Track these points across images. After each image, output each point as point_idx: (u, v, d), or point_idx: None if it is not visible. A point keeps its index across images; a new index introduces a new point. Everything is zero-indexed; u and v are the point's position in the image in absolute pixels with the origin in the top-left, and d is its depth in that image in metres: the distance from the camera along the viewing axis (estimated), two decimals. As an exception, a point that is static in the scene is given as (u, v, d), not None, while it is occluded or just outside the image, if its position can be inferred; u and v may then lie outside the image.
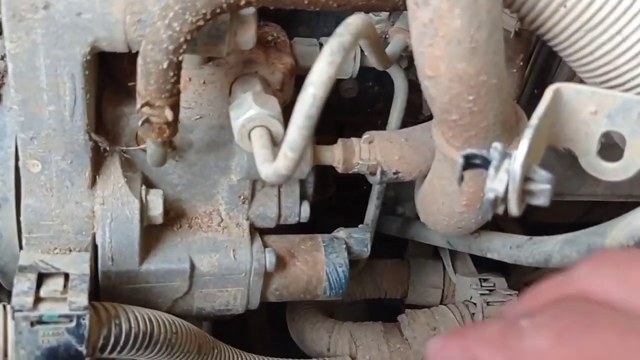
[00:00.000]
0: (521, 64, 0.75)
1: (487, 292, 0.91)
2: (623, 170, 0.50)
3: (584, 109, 0.49)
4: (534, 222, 1.27)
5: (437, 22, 0.45)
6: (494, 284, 0.93)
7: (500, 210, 0.46)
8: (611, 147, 0.53)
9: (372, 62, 0.68)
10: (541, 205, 0.46)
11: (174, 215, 0.68)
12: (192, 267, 0.65)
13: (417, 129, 0.74)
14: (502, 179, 0.45)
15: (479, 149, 0.47)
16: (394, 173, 0.72)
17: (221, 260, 0.66)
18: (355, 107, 1.03)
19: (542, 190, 0.45)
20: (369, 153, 0.71)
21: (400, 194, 1.17)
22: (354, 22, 0.47)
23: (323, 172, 0.96)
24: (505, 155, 0.46)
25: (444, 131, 0.58)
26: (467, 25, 0.45)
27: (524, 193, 0.45)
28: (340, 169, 0.72)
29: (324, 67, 0.43)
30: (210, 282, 0.67)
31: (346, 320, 0.97)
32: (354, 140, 0.72)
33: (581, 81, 0.62)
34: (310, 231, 0.79)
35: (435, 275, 1.05)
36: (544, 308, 0.31)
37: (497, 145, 0.46)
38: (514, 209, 0.45)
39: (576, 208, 1.25)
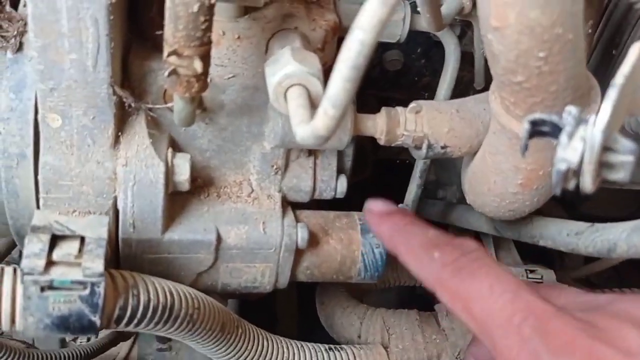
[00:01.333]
0: (590, 31, 0.67)
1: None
2: None
3: (676, 71, 0.42)
4: (583, 214, 1.19)
5: (508, -38, 0.39)
6: (542, 276, 0.86)
7: (571, 185, 0.40)
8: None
9: (424, 21, 0.62)
10: (620, 182, 0.40)
11: (202, 183, 0.63)
12: (219, 238, 0.61)
13: (470, 100, 0.68)
14: (576, 148, 0.38)
15: (548, 114, 0.41)
16: (442, 147, 0.66)
17: (250, 233, 0.61)
18: (399, 81, 0.97)
19: (624, 163, 0.39)
20: (415, 124, 0.65)
21: (441, 177, 1.11)
22: (411, -40, 0.40)
23: (361, 152, 0.90)
24: (581, 120, 0.39)
25: (504, 97, 0.51)
26: (544, -34, 0.39)
27: (601, 165, 0.39)
28: (382, 140, 0.66)
29: (376, 7, 0.37)
30: (237, 256, 0.62)
31: (377, 306, 0.91)
32: (399, 109, 0.66)
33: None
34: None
35: (477, 264, 0.98)
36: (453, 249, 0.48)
37: (571, 109, 0.40)
38: (588, 184, 0.38)
39: (631, 200, 1.16)
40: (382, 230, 0.59)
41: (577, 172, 0.39)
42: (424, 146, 0.65)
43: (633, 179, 0.93)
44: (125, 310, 0.51)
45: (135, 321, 0.52)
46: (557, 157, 0.39)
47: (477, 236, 1.01)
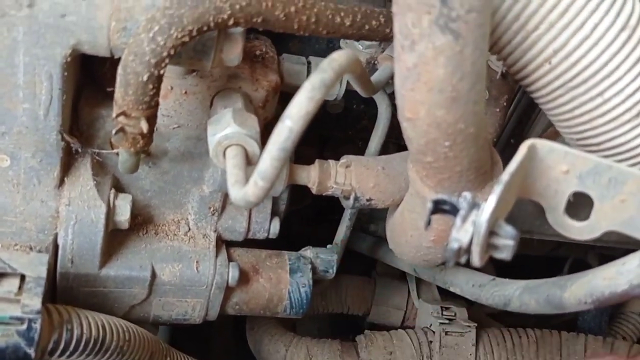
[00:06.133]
0: (505, 104, 0.76)
1: (446, 321, 0.92)
2: (588, 231, 0.51)
3: (557, 167, 0.49)
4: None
5: (420, 68, 0.45)
6: (455, 314, 0.94)
7: (462, 260, 0.46)
8: (581, 205, 0.54)
9: (357, 89, 0.68)
10: (504, 260, 0.47)
11: (142, 220, 0.67)
12: (153, 275, 0.65)
13: (396, 157, 0.74)
14: (467, 230, 0.45)
15: (449, 196, 0.47)
16: (367, 200, 0.72)
17: (183, 271, 0.66)
18: (340, 122, 1.03)
19: (506, 246, 0.45)
20: (345, 177, 0.71)
21: (374, 212, 1.18)
22: (338, 59, 0.46)
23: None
24: (473, 205, 0.46)
25: (418, 170, 0.58)
26: (450, 75, 0.45)
27: (488, 246, 0.46)
28: (314, 190, 0.72)
29: (304, 102, 0.43)
30: (170, 291, 0.66)
31: (308, 332, 0.97)
32: (331, 162, 0.72)
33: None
34: (283, 239, 0.79)
35: (399, 297, 1.06)
36: None
37: (466, 194, 0.46)
38: (476, 261, 0.45)
39: (546, 243, 1.27)
40: None
41: (467, 250, 0.45)
42: (352, 198, 0.72)
43: (540, 230, 1.02)
44: (58, 343, 0.54)
45: (68, 353, 0.55)
46: (451, 237, 0.45)
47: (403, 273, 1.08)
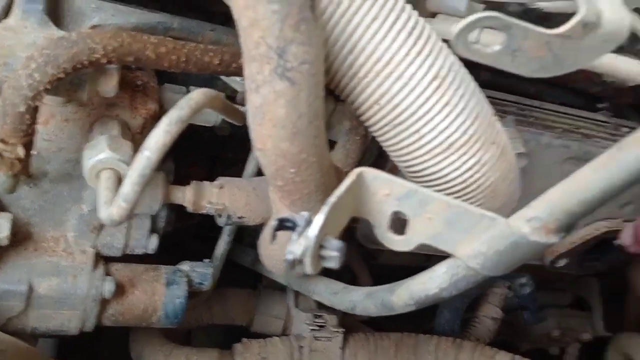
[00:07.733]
0: (364, 133, 0.87)
1: (317, 328, 1.01)
2: (405, 243, 0.62)
3: (380, 191, 0.60)
4: (381, 264, 1.41)
5: (265, 108, 0.54)
6: (326, 321, 1.03)
7: (299, 270, 0.55)
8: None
9: (228, 120, 0.77)
10: (332, 268, 0.56)
11: (22, 237, 0.71)
12: (30, 289, 0.69)
13: (266, 179, 0.83)
14: (301, 244, 0.54)
15: (291, 215, 0.56)
16: (239, 218, 0.80)
17: (60, 284, 0.71)
18: (228, 145, 1.11)
19: (332, 257, 0.55)
20: (218, 197, 0.79)
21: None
22: (195, 97, 0.55)
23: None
24: (309, 222, 0.55)
25: (275, 191, 0.67)
26: (290, 114, 0.54)
27: (319, 257, 0.55)
28: (190, 209, 0.79)
29: (161, 135, 0.51)
30: (46, 304, 0.70)
31: (202, 344, 1.02)
32: (205, 183, 0.80)
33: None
34: (173, 256, 0.85)
35: (280, 307, 1.14)
36: None
37: (304, 213, 0.56)
38: (308, 269, 0.54)
39: (419, 255, 1.40)
40: None
41: (301, 261, 0.55)
42: (224, 216, 0.80)
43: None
44: None
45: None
46: (287, 249, 0.54)
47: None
